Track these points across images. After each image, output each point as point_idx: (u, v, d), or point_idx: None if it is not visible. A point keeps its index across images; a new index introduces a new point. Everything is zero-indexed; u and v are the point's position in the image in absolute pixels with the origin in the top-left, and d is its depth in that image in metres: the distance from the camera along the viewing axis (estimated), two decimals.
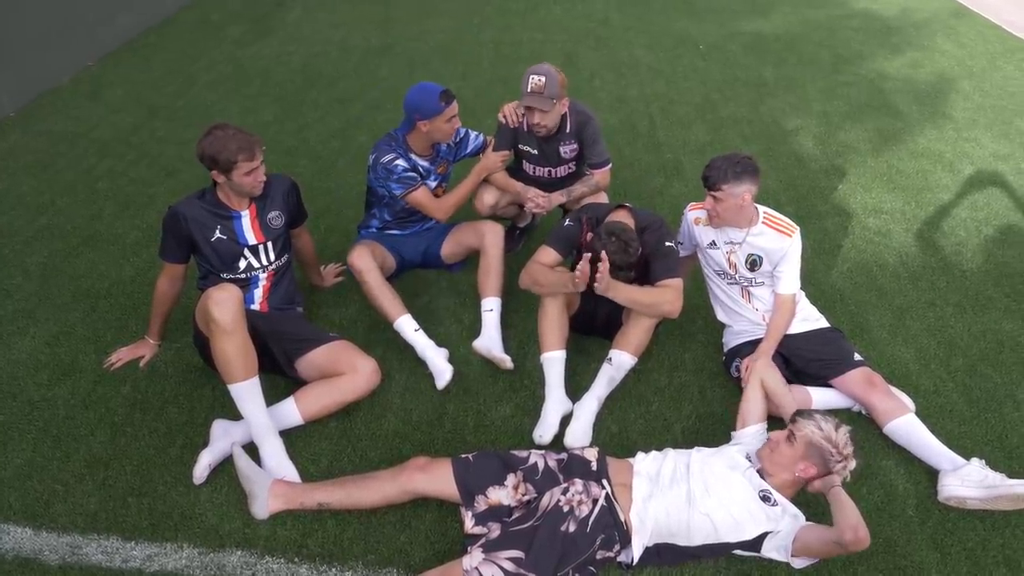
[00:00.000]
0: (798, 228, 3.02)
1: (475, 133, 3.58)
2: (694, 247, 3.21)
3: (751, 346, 3.02)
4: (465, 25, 7.22)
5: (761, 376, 2.68)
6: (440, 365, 3.08)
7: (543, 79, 3.26)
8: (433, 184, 3.45)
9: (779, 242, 2.97)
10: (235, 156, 2.72)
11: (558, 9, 7.80)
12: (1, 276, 3.65)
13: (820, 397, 2.96)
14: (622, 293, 2.84)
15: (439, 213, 3.37)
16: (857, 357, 2.96)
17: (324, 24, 7.13)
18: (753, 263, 3.02)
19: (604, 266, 2.73)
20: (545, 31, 7.09)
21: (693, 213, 3.13)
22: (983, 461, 2.66)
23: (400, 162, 3.27)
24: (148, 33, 6.77)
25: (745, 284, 3.08)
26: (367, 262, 3.22)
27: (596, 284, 2.75)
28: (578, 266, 2.81)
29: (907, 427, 2.76)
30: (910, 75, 6.28)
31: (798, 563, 2.30)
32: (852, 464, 2.38)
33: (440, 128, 3.22)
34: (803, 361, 2.99)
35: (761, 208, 3.04)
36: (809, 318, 3.11)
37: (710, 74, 6.18)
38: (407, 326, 3.18)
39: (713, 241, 3.07)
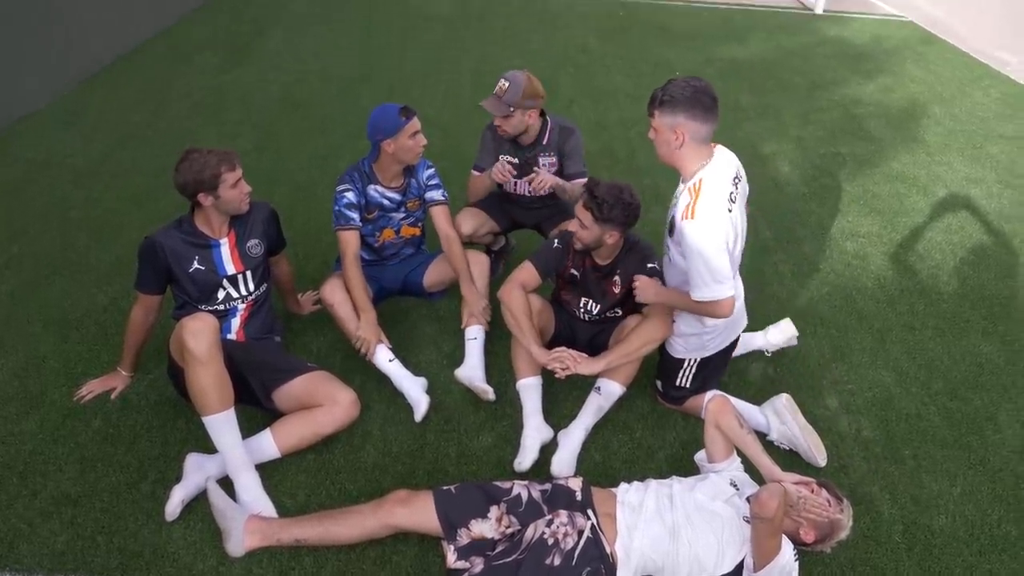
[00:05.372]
0: (699, 218, 2.40)
1: (441, 190, 3.35)
2: None
3: None
4: (445, 53, 7.24)
5: (716, 423, 2.53)
6: (416, 395, 3.01)
7: (507, 84, 3.29)
8: (400, 217, 3.36)
9: (680, 218, 2.47)
10: (218, 169, 2.69)
11: (537, 37, 7.86)
12: None
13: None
14: (606, 361, 2.78)
15: (346, 270, 3.13)
16: (657, 383, 3.05)
17: (304, 52, 7.11)
18: (671, 225, 2.60)
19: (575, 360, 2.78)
20: (524, 58, 7.13)
21: None
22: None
23: (349, 195, 3.19)
24: (124, 59, 6.71)
25: (666, 250, 2.78)
26: (338, 295, 3.16)
27: (560, 374, 2.78)
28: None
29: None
30: (882, 100, 6.38)
31: None
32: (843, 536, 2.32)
33: (405, 146, 3.10)
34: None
35: (708, 169, 2.49)
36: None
37: None
38: (381, 356, 3.11)
39: None
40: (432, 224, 3.41)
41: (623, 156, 5.21)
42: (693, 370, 2.93)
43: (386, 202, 3.29)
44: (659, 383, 3.05)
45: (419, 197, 3.38)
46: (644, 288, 2.82)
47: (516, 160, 3.56)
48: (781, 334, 3.39)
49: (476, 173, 3.63)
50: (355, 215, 3.20)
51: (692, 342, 2.88)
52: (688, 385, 2.96)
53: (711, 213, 2.44)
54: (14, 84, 5.42)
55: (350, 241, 3.19)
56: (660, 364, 3.03)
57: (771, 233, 4.33)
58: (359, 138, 5.31)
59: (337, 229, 3.21)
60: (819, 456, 2.81)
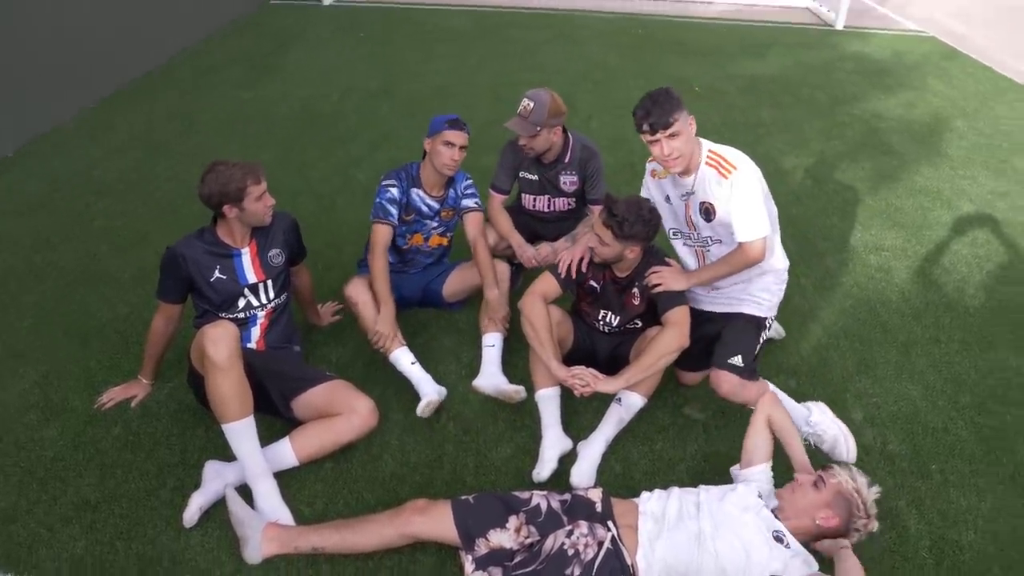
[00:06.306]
0: (739, 167, 2.67)
1: (476, 199, 3.42)
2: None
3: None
4: (463, 67, 7.30)
5: (768, 413, 2.57)
6: (429, 391, 3.03)
7: (531, 104, 3.31)
8: (433, 226, 3.42)
9: (719, 186, 2.69)
10: (244, 182, 2.73)
11: (554, 52, 7.90)
12: None
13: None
14: (624, 378, 2.75)
15: (374, 262, 3.19)
16: (733, 360, 2.82)
17: (323, 67, 7.20)
18: (707, 212, 2.77)
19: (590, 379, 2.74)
20: (542, 73, 7.16)
21: (652, 164, 2.91)
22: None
23: (393, 190, 3.27)
24: (150, 75, 6.82)
25: (701, 246, 2.90)
26: (364, 295, 3.19)
27: (579, 392, 2.76)
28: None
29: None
30: (904, 115, 6.34)
31: None
32: (873, 526, 2.29)
33: (437, 150, 3.19)
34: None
35: (705, 143, 2.75)
36: (739, 300, 2.95)
37: (707, 115, 6.22)
38: (403, 358, 3.13)
39: (668, 195, 2.90)
40: (459, 238, 3.45)
41: (643, 170, 5.19)
42: (767, 332, 2.97)
43: (424, 208, 3.35)
44: (739, 359, 2.85)
45: (454, 208, 3.44)
46: (671, 277, 2.83)
47: (536, 177, 3.58)
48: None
49: (495, 194, 3.66)
50: (394, 211, 3.26)
51: (776, 293, 2.95)
52: (758, 352, 2.94)
53: (743, 159, 2.71)
54: (38, 99, 5.53)
55: (383, 234, 3.24)
56: (733, 339, 2.89)
57: (793, 246, 4.29)
58: (379, 150, 5.39)
59: (374, 221, 3.25)
60: (851, 453, 2.84)
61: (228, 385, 2.51)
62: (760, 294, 2.94)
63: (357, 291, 3.22)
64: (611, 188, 3.90)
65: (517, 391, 3.05)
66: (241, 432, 2.55)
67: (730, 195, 2.67)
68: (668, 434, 3.00)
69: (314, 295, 3.47)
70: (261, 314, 2.95)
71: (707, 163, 2.71)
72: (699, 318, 2.99)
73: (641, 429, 3.00)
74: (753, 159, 2.77)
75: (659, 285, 2.84)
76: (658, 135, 2.60)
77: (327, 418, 2.75)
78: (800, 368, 3.36)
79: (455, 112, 3.31)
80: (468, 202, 3.42)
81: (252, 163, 2.80)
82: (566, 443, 2.88)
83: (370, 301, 3.19)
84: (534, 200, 3.67)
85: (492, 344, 3.21)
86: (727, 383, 2.83)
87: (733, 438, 2.94)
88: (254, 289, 2.92)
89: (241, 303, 2.90)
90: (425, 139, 3.25)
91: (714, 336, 2.96)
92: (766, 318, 2.96)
